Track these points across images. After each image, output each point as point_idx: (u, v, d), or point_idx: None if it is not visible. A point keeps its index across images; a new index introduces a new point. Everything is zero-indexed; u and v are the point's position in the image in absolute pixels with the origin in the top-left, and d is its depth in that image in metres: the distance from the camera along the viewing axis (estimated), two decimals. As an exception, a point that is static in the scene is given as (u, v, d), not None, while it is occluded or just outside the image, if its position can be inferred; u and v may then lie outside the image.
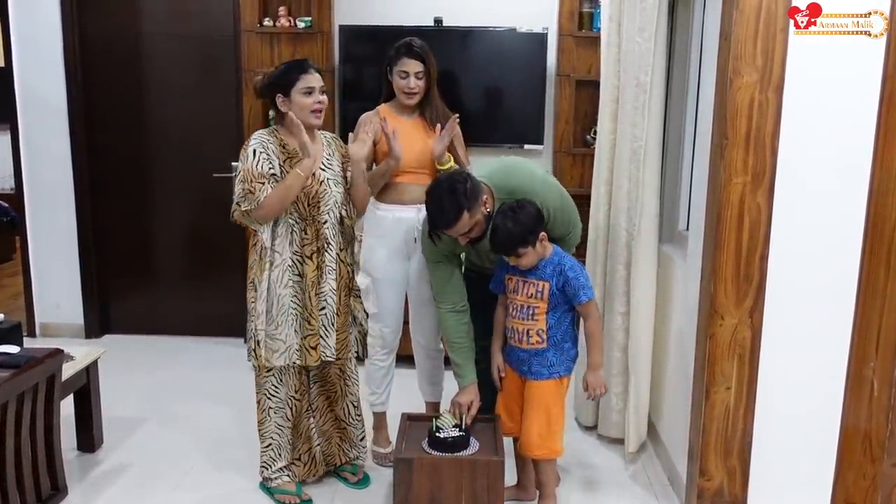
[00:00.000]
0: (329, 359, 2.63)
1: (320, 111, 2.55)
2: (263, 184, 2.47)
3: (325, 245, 2.60)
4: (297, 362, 2.59)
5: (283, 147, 2.54)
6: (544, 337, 2.46)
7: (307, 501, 2.70)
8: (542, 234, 2.40)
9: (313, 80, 2.53)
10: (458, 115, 2.83)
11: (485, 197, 2.41)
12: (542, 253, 2.43)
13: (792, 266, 2.40)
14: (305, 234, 2.57)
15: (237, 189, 2.53)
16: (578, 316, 2.52)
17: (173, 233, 4.49)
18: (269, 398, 2.67)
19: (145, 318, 4.56)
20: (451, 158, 2.86)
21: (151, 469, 2.95)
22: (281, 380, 2.65)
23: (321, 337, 2.59)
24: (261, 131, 2.59)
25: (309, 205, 2.54)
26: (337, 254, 2.64)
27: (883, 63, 2.25)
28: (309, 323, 2.57)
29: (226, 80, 4.22)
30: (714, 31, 2.47)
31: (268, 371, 2.63)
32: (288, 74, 2.54)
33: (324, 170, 2.59)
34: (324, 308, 2.60)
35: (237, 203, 2.52)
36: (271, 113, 4.08)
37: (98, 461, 3.01)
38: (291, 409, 2.69)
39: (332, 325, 2.62)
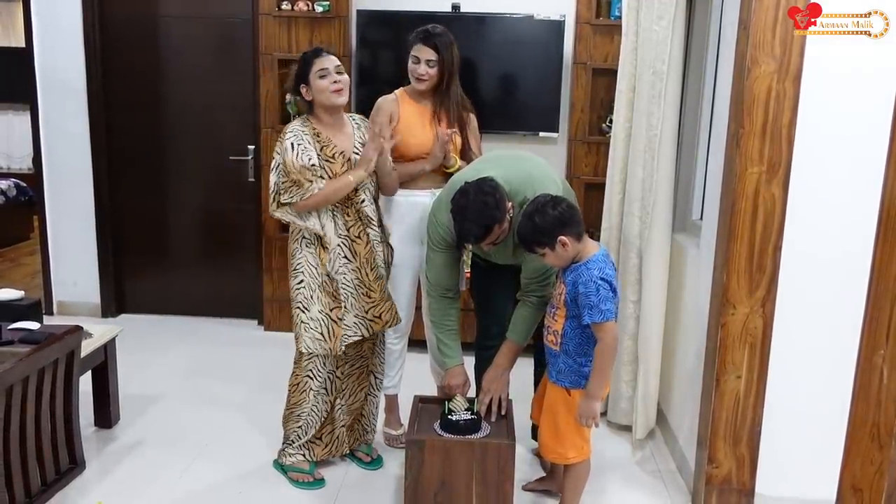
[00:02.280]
0: (393, 324, 2.75)
1: (340, 91, 2.59)
2: (312, 181, 2.53)
3: (368, 222, 2.68)
4: (365, 334, 2.68)
5: (317, 136, 2.59)
6: (558, 340, 2.36)
7: (320, 481, 2.74)
8: (563, 238, 2.24)
9: (326, 61, 2.58)
10: (455, 129, 2.85)
11: (510, 204, 2.41)
12: (566, 256, 2.28)
13: (805, 256, 2.40)
14: (348, 216, 2.64)
15: (275, 182, 2.58)
16: None
17: (189, 214, 4.53)
18: (312, 379, 2.71)
19: (160, 298, 4.61)
20: (457, 160, 2.88)
21: (166, 445, 3.00)
22: (324, 362, 2.70)
23: (385, 307, 2.71)
24: (294, 123, 2.64)
25: None
26: (379, 229, 2.74)
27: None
28: (368, 297, 2.67)
29: (243, 64, 4.25)
30: (732, 19, 2.47)
31: (310, 354, 2.66)
32: (304, 63, 2.61)
33: (356, 152, 2.65)
34: (381, 278, 2.73)
35: (276, 195, 2.58)
36: (288, 97, 4.13)
37: (114, 437, 3.06)
38: (332, 385, 2.74)
39: (389, 294, 2.77)
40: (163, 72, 4.37)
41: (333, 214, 2.61)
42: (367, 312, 2.68)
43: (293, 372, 2.75)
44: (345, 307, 2.64)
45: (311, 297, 2.61)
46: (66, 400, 2.66)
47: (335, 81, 2.57)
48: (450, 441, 2.41)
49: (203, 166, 4.44)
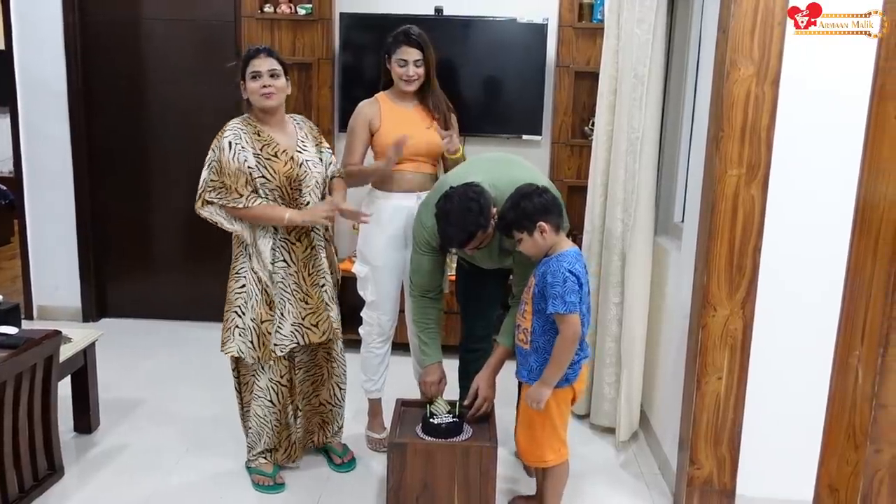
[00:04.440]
0: (330, 336, 2.69)
1: (269, 95, 2.53)
2: (242, 193, 2.49)
3: (311, 226, 2.64)
4: (300, 342, 2.63)
5: (258, 135, 2.56)
6: (528, 338, 2.36)
7: (280, 485, 2.73)
8: (543, 225, 2.26)
9: (260, 63, 2.53)
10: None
11: (494, 210, 2.39)
12: (542, 245, 2.29)
13: (784, 258, 2.42)
14: None
15: (205, 178, 2.53)
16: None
17: (171, 217, 4.49)
18: (249, 390, 2.72)
19: (142, 302, 4.58)
20: (461, 149, 2.88)
21: (147, 451, 2.98)
22: (263, 368, 2.66)
23: (322, 317, 2.66)
24: (235, 120, 2.59)
25: (291, 188, 2.57)
26: (324, 233, 2.71)
27: (875, 56, 2.25)
28: (305, 303, 2.62)
29: (225, 66, 4.23)
30: (712, 23, 2.49)
31: (242, 360, 2.67)
32: (243, 61, 2.58)
33: (300, 152, 2.62)
34: (323, 285, 2.68)
35: (204, 192, 2.53)
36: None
37: (94, 442, 3.03)
38: (277, 394, 2.69)
39: (332, 300, 2.71)
40: (145, 74, 4.34)
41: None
42: (303, 320, 2.63)
43: (233, 377, 2.76)
44: (281, 314, 2.60)
45: (248, 304, 2.59)
46: (45, 405, 2.63)
47: (265, 85, 2.52)
48: (432, 444, 2.41)
49: (185, 169, 4.38)
